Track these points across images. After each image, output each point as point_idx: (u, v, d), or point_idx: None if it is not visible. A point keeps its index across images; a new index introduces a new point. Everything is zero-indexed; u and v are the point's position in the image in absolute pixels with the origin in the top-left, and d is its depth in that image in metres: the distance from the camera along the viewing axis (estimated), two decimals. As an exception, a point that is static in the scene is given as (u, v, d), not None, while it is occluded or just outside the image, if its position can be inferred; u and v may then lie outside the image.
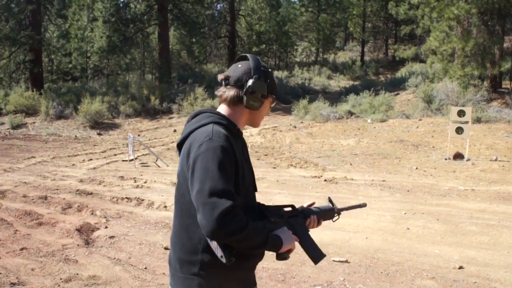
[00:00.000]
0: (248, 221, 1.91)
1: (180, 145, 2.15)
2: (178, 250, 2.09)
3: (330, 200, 2.56)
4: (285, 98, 2.38)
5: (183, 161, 2.07)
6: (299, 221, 2.28)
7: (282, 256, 2.12)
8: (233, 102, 2.16)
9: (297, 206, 2.38)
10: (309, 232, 2.32)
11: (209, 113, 2.16)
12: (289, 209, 2.30)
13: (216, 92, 2.26)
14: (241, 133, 2.20)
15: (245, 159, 2.16)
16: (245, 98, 2.13)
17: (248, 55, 2.24)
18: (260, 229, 1.97)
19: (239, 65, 2.19)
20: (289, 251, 2.11)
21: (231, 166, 1.96)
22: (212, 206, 1.83)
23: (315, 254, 2.32)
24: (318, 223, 2.40)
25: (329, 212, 2.48)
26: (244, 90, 2.12)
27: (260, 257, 2.20)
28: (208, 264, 2.00)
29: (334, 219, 2.51)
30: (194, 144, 2.00)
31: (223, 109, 2.19)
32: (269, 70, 2.23)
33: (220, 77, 2.20)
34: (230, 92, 2.15)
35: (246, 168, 2.13)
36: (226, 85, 2.17)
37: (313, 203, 2.46)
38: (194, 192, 1.91)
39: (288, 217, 2.25)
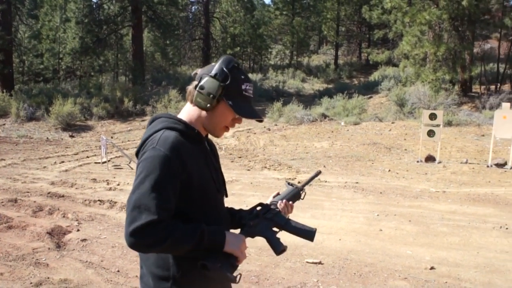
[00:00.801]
0: (172, 232, 1.79)
1: (138, 153, 2.03)
2: (149, 265, 2.00)
3: (289, 183, 2.50)
4: (248, 111, 2.07)
5: None
6: (274, 213, 2.25)
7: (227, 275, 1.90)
8: (190, 99, 2.06)
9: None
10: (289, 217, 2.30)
11: (165, 117, 2.05)
12: (259, 208, 2.26)
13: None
14: (202, 137, 2.07)
15: (207, 165, 2.05)
16: (195, 93, 2.01)
17: (224, 55, 2.12)
18: (190, 233, 1.84)
19: (213, 63, 2.09)
20: (236, 261, 1.94)
21: (171, 179, 1.85)
22: (131, 219, 1.77)
23: (307, 233, 2.31)
24: (291, 206, 2.36)
25: (295, 193, 2.43)
26: (195, 84, 2.03)
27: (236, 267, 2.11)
28: (180, 279, 1.93)
29: (302, 197, 2.47)
30: (142, 151, 1.94)
31: (185, 110, 2.09)
32: (242, 76, 2.05)
33: (193, 72, 2.15)
34: (190, 87, 2.07)
35: (207, 175, 2.02)
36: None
37: (278, 193, 2.41)
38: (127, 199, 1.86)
39: (263, 214, 2.22)
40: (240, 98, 2.03)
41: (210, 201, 2.03)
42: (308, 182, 2.56)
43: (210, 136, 2.18)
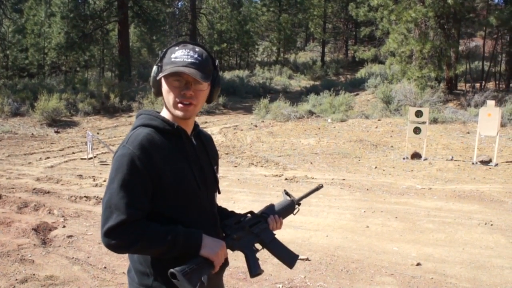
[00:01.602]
0: (144, 232, 1.79)
1: None
2: (133, 261, 1.99)
3: (286, 193, 2.43)
4: (176, 65, 1.91)
5: None
6: (262, 227, 2.16)
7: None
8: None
9: (256, 210, 2.28)
10: (276, 236, 2.20)
11: (144, 114, 2.01)
12: (248, 217, 2.15)
13: None
14: (183, 131, 1.99)
15: (187, 161, 1.98)
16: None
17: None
18: (162, 236, 1.80)
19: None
20: (213, 267, 1.90)
21: (139, 177, 1.82)
22: (104, 220, 1.79)
23: (289, 258, 2.22)
24: (280, 222, 2.27)
25: (289, 207, 2.36)
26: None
27: (222, 270, 2.08)
28: (161, 276, 1.90)
29: (295, 212, 2.39)
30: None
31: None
32: (175, 48, 1.96)
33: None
34: None
35: (184, 171, 1.95)
36: None
37: (272, 204, 2.33)
38: None
39: (250, 226, 2.12)
40: (171, 64, 1.92)
41: (187, 199, 1.95)
42: (306, 195, 2.49)
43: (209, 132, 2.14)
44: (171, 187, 1.90)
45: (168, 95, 1.95)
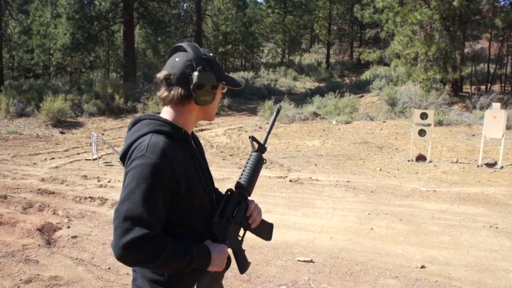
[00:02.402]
0: (164, 249, 1.75)
1: (123, 159, 1.94)
2: (143, 269, 1.94)
3: (253, 139, 2.25)
4: (237, 82, 2.07)
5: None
6: (243, 212, 2.10)
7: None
8: (181, 102, 1.94)
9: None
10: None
11: (149, 119, 1.94)
12: (228, 197, 2.10)
13: (158, 94, 2.00)
14: (189, 137, 1.97)
15: (194, 166, 1.97)
16: (194, 95, 1.91)
17: (183, 44, 2.00)
18: (180, 255, 1.80)
19: (177, 59, 1.95)
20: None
21: (162, 188, 1.78)
22: (123, 232, 1.70)
23: (267, 234, 2.25)
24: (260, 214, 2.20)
25: (260, 162, 2.23)
26: (191, 86, 1.90)
27: (226, 268, 2.08)
28: (175, 283, 1.90)
29: (265, 161, 2.27)
30: (129, 159, 1.84)
31: (167, 111, 1.98)
32: (211, 55, 1.99)
33: (159, 76, 1.96)
34: (175, 91, 1.92)
35: (194, 177, 1.95)
36: (168, 85, 1.93)
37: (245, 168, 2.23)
38: (115, 209, 1.79)
39: (233, 216, 2.06)
40: (224, 73, 2.02)
41: (196, 204, 1.96)
42: (269, 131, 2.32)
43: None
44: (185, 195, 1.88)
45: (217, 101, 2.03)
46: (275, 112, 2.35)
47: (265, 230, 2.24)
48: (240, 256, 2.10)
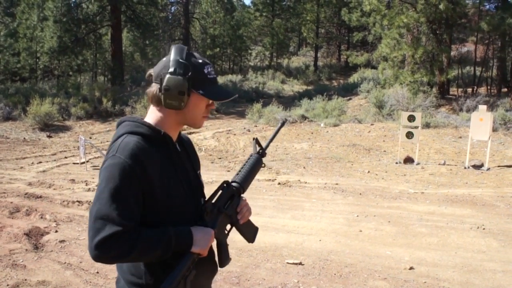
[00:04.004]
0: (137, 241, 1.74)
1: None
2: (123, 271, 1.95)
3: (257, 142, 2.32)
4: (220, 94, 1.99)
5: None
6: (234, 207, 2.10)
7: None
8: (155, 102, 1.94)
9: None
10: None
11: (128, 121, 1.95)
12: (220, 192, 2.09)
13: (146, 92, 2.02)
14: (169, 138, 1.95)
15: (176, 168, 1.95)
16: (162, 96, 1.88)
17: (173, 45, 1.98)
18: (155, 242, 1.78)
19: (164, 59, 1.95)
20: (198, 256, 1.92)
21: (131, 187, 1.77)
22: (95, 232, 1.71)
23: (253, 234, 2.25)
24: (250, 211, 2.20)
25: (258, 164, 2.28)
26: (159, 87, 1.89)
27: (212, 274, 2.10)
28: (153, 286, 1.88)
29: (263, 165, 2.32)
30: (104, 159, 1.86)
31: (150, 112, 1.99)
32: (199, 61, 1.94)
33: (147, 74, 2.00)
34: (152, 89, 1.93)
35: (174, 179, 1.92)
36: (149, 82, 1.97)
37: (245, 163, 2.27)
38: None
39: (224, 207, 2.07)
40: (208, 84, 1.94)
41: (176, 208, 1.91)
42: (271, 139, 2.40)
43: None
44: (160, 196, 1.85)
45: (196, 110, 1.95)
46: (280, 124, 2.40)
47: (250, 231, 2.24)
48: (223, 249, 2.08)
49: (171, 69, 1.87)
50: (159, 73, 1.90)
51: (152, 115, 1.97)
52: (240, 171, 2.21)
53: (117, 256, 1.74)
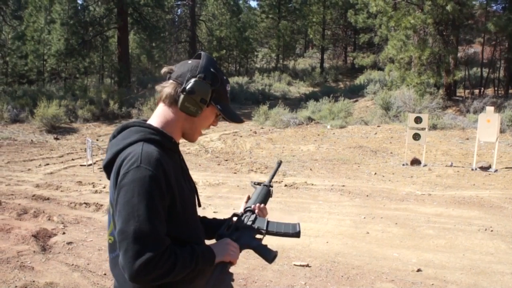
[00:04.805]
0: (177, 260, 1.69)
1: (107, 168, 1.84)
2: (123, 283, 1.82)
3: (255, 183, 2.39)
4: (235, 115, 1.97)
5: (111, 189, 1.78)
6: (253, 219, 2.13)
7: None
8: (169, 101, 1.86)
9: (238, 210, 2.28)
10: (268, 219, 2.18)
11: (138, 126, 1.85)
12: (235, 219, 2.14)
13: (156, 87, 1.94)
14: (177, 146, 1.90)
15: (183, 176, 1.90)
16: (181, 97, 1.82)
17: (203, 52, 1.95)
18: (189, 260, 1.74)
19: (189, 61, 1.91)
20: (229, 266, 1.93)
21: (162, 200, 1.69)
22: (135, 254, 1.61)
23: (291, 230, 2.20)
24: (265, 209, 2.24)
25: (266, 193, 2.34)
26: (182, 87, 1.83)
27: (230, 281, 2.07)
28: None
29: (271, 194, 2.38)
30: (121, 171, 1.70)
31: (157, 114, 1.91)
32: (224, 77, 1.92)
33: (163, 69, 1.93)
34: (168, 88, 1.86)
35: (186, 187, 1.87)
36: (167, 80, 1.90)
37: (248, 197, 2.31)
38: (117, 230, 1.66)
39: (242, 223, 2.11)
40: (225, 100, 1.93)
41: (189, 216, 1.89)
42: (273, 176, 2.45)
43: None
44: (179, 208, 1.79)
45: (203, 122, 1.93)
46: (276, 165, 2.51)
47: (289, 228, 2.20)
48: (262, 250, 2.08)
49: (201, 75, 1.83)
50: (184, 73, 1.86)
51: (160, 118, 1.89)
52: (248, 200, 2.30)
53: (157, 277, 1.66)
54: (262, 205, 2.24)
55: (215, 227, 2.12)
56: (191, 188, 1.95)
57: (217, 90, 1.87)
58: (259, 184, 2.37)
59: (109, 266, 1.92)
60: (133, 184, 1.65)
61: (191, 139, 1.96)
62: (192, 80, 1.82)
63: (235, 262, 1.94)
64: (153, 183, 1.66)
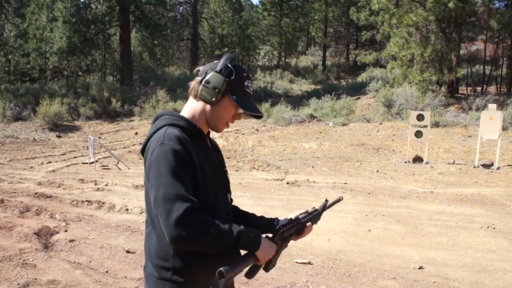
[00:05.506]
0: (212, 223, 1.85)
1: (143, 151, 2.07)
2: (151, 256, 2.04)
3: (325, 205, 2.65)
4: (253, 107, 2.15)
5: (144, 169, 2.02)
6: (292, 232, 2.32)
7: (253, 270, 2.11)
8: (193, 94, 2.11)
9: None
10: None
11: (167, 115, 2.11)
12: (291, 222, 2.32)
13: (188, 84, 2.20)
14: (203, 133, 2.12)
15: (208, 161, 2.08)
16: (200, 87, 2.06)
17: (228, 54, 2.19)
18: (227, 233, 1.88)
19: (215, 61, 2.14)
20: (258, 266, 2.09)
21: (185, 169, 1.90)
22: (168, 213, 1.80)
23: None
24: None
25: (317, 216, 2.57)
26: (201, 79, 2.08)
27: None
28: (180, 270, 1.97)
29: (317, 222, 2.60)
30: (149, 151, 1.96)
31: (186, 106, 2.15)
32: (244, 74, 2.13)
33: (195, 69, 2.19)
34: (193, 82, 2.12)
35: (209, 170, 2.05)
36: (195, 76, 2.15)
37: (306, 211, 2.52)
38: (152, 201, 1.89)
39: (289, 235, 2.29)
40: (243, 94, 2.10)
41: (212, 196, 2.05)
42: (328, 207, 2.72)
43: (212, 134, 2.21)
44: (201, 182, 1.98)
45: (223, 112, 2.11)
46: (336, 200, 2.87)
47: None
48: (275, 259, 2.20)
49: (218, 68, 2.05)
50: (206, 69, 2.09)
51: (187, 108, 2.13)
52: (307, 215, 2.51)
53: (196, 234, 1.80)
54: (310, 223, 2.47)
55: (264, 223, 2.35)
56: (217, 173, 2.14)
57: (231, 82, 2.06)
58: (324, 207, 2.63)
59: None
60: (158, 158, 1.90)
61: (216, 128, 2.15)
62: (210, 73, 2.06)
63: (259, 263, 2.07)
64: (175, 154, 1.89)
